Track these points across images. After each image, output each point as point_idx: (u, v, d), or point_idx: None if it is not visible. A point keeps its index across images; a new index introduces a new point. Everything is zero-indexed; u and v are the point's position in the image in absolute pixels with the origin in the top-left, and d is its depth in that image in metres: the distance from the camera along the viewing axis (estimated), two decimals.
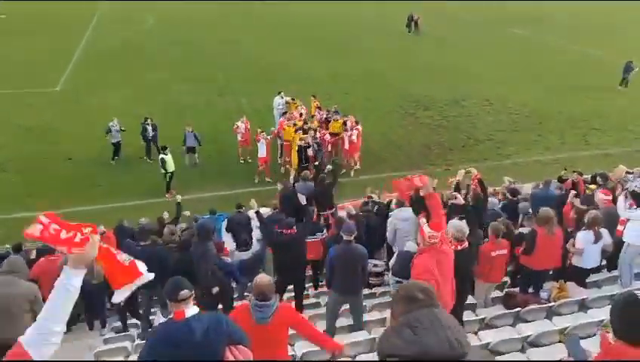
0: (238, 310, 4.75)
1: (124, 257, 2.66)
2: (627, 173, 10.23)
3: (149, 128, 16.75)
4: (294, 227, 7.90)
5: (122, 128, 16.75)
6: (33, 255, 8.42)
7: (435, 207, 5.51)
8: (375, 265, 8.77)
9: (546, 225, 6.94)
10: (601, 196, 8.60)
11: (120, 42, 32.62)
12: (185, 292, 3.37)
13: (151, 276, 2.70)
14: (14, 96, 22.62)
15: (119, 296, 2.71)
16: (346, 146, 16.21)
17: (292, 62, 28.83)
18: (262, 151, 15.56)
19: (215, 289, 6.82)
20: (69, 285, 2.36)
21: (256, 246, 9.38)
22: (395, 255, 8.05)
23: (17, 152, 17.36)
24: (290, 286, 8.06)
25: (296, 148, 14.88)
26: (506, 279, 8.05)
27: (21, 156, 17.09)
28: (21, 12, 41.52)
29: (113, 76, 25.54)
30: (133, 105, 21.24)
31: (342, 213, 10.32)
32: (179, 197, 10.80)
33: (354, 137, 16.07)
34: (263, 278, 4.70)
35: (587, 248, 7.21)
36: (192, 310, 3.33)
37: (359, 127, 16.25)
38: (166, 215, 10.52)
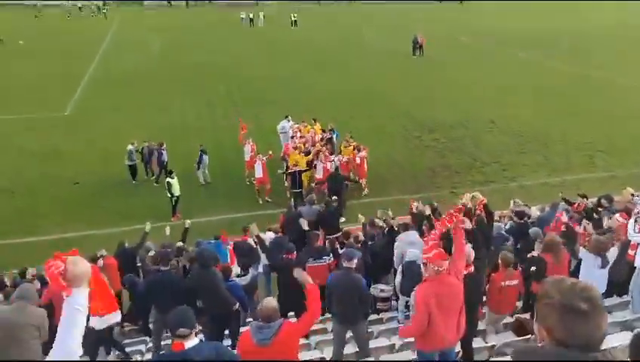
0: (243, 333, 4.72)
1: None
2: (632, 195, 10.16)
3: (164, 153, 16.88)
4: (294, 252, 7.90)
5: (138, 150, 16.94)
6: (38, 285, 8.37)
7: (459, 245, 5.42)
8: (382, 290, 8.67)
9: (552, 251, 6.84)
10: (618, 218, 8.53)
11: (128, 66, 33.10)
12: (183, 331, 3.46)
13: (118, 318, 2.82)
14: (23, 120, 22.89)
15: (99, 323, 2.77)
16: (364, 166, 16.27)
17: (297, 83, 29.10)
18: (258, 172, 15.71)
19: (236, 306, 6.93)
20: (75, 304, 2.38)
21: (252, 271, 9.32)
22: (399, 271, 7.97)
23: (24, 176, 17.48)
24: (292, 313, 7.97)
25: (290, 172, 14.98)
26: (517, 303, 7.92)
27: (28, 180, 17.22)
28: (33, 37, 42.26)
29: (120, 100, 25.84)
30: (138, 129, 21.41)
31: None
32: (188, 222, 10.74)
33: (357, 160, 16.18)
34: (270, 302, 4.67)
35: (593, 273, 7.09)
36: (192, 342, 3.37)
37: (363, 153, 16.30)
38: (167, 231, 10.47)
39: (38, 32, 45.33)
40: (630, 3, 67.77)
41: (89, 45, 40.01)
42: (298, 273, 5.07)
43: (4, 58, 35.05)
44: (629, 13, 62.67)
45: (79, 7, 61.02)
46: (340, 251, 8.48)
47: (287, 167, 15.57)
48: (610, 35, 46.42)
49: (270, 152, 16.38)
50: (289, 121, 18.86)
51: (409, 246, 8.26)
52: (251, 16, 52.31)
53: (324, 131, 18.29)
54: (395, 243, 8.66)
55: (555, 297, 1.83)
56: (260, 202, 15.76)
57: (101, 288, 2.66)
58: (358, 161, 16.18)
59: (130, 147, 16.80)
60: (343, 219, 13.72)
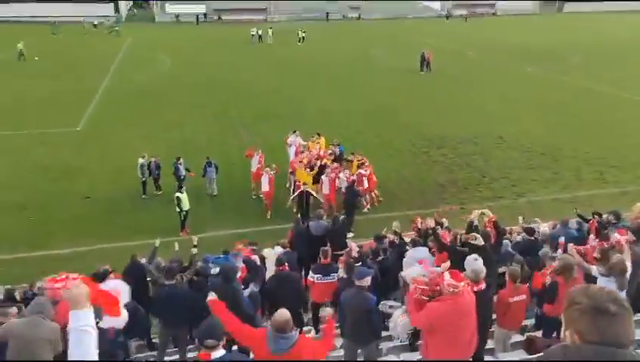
0: (256, 337, 4.71)
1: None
2: None
3: (181, 168, 17.06)
4: (285, 264, 8.28)
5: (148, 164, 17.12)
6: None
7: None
8: (391, 306, 8.63)
9: (566, 273, 6.78)
10: (617, 236, 8.45)
11: (139, 82, 33.58)
12: (211, 342, 3.76)
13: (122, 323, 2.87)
14: (35, 135, 23.22)
15: (110, 322, 2.82)
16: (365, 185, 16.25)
17: (304, 99, 29.35)
18: (264, 186, 15.87)
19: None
20: (83, 326, 2.39)
21: (252, 287, 9.34)
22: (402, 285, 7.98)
23: (36, 191, 17.68)
24: None
25: (297, 192, 14.97)
26: (527, 322, 7.86)
27: (40, 195, 17.40)
28: (48, 53, 43.00)
29: (132, 116, 26.17)
30: (150, 144, 21.65)
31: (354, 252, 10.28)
32: (195, 239, 10.80)
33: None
34: (284, 314, 4.67)
35: None
36: (218, 353, 3.63)
37: (362, 170, 16.33)
38: (176, 246, 10.53)
39: (53, 48, 46.11)
40: None
41: (102, 61, 40.64)
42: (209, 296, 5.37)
43: (22, 73, 35.66)
44: None
45: (94, 25, 62.26)
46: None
47: (296, 186, 15.60)
48: (623, 49, 46.42)
49: (275, 166, 16.51)
50: (297, 136, 18.97)
51: (415, 263, 8.25)
52: (260, 32, 52.93)
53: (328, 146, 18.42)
54: (404, 259, 8.66)
55: (584, 302, 1.97)
56: (269, 216, 15.83)
57: (103, 296, 2.68)
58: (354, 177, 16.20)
59: (141, 160, 16.98)
60: (351, 235, 13.78)
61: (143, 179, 17.03)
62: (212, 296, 5.30)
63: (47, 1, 72.14)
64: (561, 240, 9.22)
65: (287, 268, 8.53)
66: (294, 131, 19.17)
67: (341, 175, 15.89)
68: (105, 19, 64.80)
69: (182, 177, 16.76)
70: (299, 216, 14.93)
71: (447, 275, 5.18)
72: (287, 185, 16.96)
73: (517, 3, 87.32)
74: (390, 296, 9.00)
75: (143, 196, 17.16)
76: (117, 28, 58.65)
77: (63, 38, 53.72)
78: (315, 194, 15.04)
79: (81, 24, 59.77)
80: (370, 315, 6.45)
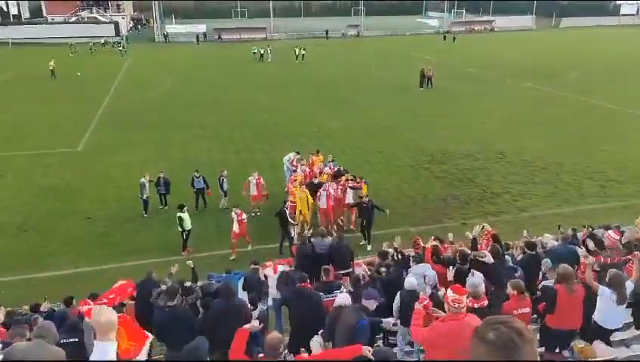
0: None
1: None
2: None
3: (197, 180, 17.24)
4: (307, 281, 8.18)
5: (151, 180, 17.17)
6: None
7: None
8: (395, 324, 8.56)
9: (565, 282, 6.75)
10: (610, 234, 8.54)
11: (140, 103, 33.80)
12: None
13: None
14: (36, 156, 23.31)
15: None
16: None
17: (305, 118, 29.48)
18: (253, 190, 16.73)
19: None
20: (102, 357, 2.38)
21: (261, 306, 9.28)
22: (397, 295, 7.92)
23: (37, 212, 17.69)
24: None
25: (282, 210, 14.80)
26: None
27: (41, 216, 17.41)
28: (46, 78, 43.46)
29: (132, 136, 26.26)
30: (150, 163, 21.72)
31: (358, 271, 10.24)
32: (190, 263, 10.78)
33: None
34: (275, 334, 4.73)
35: (611, 308, 6.97)
36: None
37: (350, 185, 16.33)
38: (174, 269, 10.49)
39: (61, 67, 46.59)
40: None
41: (103, 81, 40.99)
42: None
43: (29, 93, 35.96)
44: None
45: (102, 43, 63.26)
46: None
47: (289, 207, 15.49)
48: (620, 63, 46.74)
49: (257, 173, 17.14)
50: (295, 155, 18.83)
51: (420, 279, 8.21)
52: (262, 51, 53.46)
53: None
54: (408, 276, 8.61)
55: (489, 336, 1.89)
56: (253, 215, 16.18)
57: (129, 330, 2.69)
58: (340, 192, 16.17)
59: (142, 180, 17.02)
60: (369, 248, 13.86)
61: (143, 198, 17.02)
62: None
63: (51, 23, 73.60)
64: (546, 262, 9.16)
65: (309, 285, 8.37)
66: (297, 152, 19.08)
67: (337, 187, 16.00)
68: (111, 39, 66.11)
69: (197, 191, 17.30)
70: (306, 235, 14.86)
71: (450, 292, 5.07)
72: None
73: (514, 18, 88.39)
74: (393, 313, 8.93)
75: (144, 215, 17.15)
76: (123, 48, 59.40)
77: (73, 57, 54.56)
78: (290, 219, 14.75)
79: (90, 43, 60.80)
80: (355, 332, 6.19)
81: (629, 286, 7.25)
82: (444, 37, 56.17)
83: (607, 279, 7.08)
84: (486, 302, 6.00)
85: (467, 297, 6.07)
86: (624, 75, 41.37)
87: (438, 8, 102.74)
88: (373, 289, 7.04)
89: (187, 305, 8.96)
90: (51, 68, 42.43)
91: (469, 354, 1.86)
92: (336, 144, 24.15)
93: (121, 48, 58.90)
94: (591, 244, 8.72)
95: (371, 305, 6.41)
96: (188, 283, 9.87)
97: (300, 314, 7.69)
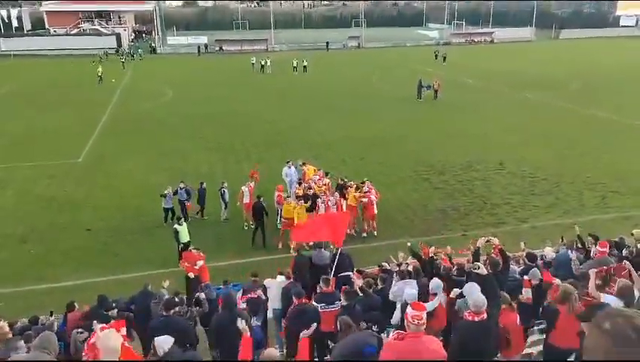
0: None
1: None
2: None
3: (180, 191, 17.23)
4: (302, 297, 8.14)
5: (173, 192, 17.27)
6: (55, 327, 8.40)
7: None
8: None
9: (567, 302, 6.71)
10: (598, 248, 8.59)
11: (141, 114, 33.93)
12: None
13: None
14: (37, 167, 23.36)
15: None
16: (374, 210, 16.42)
17: (306, 128, 29.59)
18: (246, 198, 16.69)
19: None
20: None
21: (255, 321, 9.24)
22: (398, 307, 7.88)
23: (38, 223, 17.68)
24: None
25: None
26: (532, 350, 7.76)
27: (41, 227, 17.40)
28: (48, 90, 43.71)
29: (133, 147, 26.34)
30: (151, 174, 21.79)
31: (358, 282, 10.20)
32: (166, 283, 10.77)
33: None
34: (272, 352, 4.70)
35: None
36: None
37: (372, 196, 16.43)
38: (166, 284, 10.46)
39: (60, 79, 46.85)
40: None
41: (104, 91, 41.20)
42: (240, 323, 5.57)
43: (32, 104, 36.10)
44: None
45: (105, 54, 63.87)
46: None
47: (282, 221, 15.97)
48: (619, 74, 46.90)
49: (249, 182, 17.24)
50: (290, 167, 18.96)
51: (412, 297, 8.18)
52: (262, 62, 53.69)
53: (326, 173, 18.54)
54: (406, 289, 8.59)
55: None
56: (245, 227, 16.36)
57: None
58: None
59: (165, 191, 17.18)
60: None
61: (165, 206, 17.17)
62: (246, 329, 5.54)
63: (53, 35, 74.21)
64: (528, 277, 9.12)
65: (305, 300, 8.40)
66: (287, 162, 19.26)
67: (331, 198, 16.05)
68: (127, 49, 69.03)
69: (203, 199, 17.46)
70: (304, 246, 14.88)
71: (409, 309, 4.88)
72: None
73: (514, 30, 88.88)
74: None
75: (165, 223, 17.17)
76: (140, 57, 60.56)
77: (73, 67, 55.05)
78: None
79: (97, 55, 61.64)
80: (358, 356, 5.92)
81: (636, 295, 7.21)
82: (435, 55, 56.48)
83: (616, 288, 7.02)
84: (485, 315, 5.96)
85: (467, 311, 6.08)
86: (624, 85, 41.49)
87: (438, 20, 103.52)
88: (357, 309, 6.96)
89: (194, 317, 8.95)
90: (99, 74, 45.86)
91: None
92: (337, 154, 24.21)
93: (135, 57, 59.65)
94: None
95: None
96: (201, 295, 9.83)
97: (299, 330, 7.67)
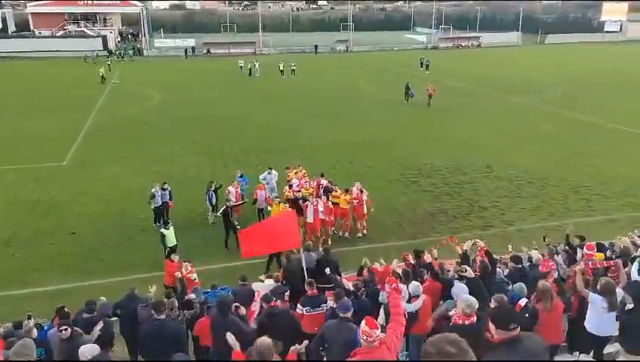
0: None
1: None
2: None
3: (163, 193, 17.10)
4: (275, 300, 8.19)
5: (164, 188, 17.22)
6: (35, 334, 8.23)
7: (395, 305, 5.38)
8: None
9: (543, 299, 6.77)
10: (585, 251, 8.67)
11: (127, 117, 33.66)
12: None
13: None
14: (21, 171, 23.05)
15: None
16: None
17: (296, 132, 29.55)
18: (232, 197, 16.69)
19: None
20: None
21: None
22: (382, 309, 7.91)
23: (22, 227, 17.44)
24: None
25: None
26: None
27: (26, 231, 17.16)
28: (34, 92, 43.20)
29: (119, 151, 26.10)
30: (137, 178, 21.58)
31: (348, 285, 10.18)
32: (178, 274, 10.68)
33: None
34: (264, 341, 4.66)
35: (601, 316, 7.01)
36: None
37: (364, 197, 16.50)
38: (153, 289, 10.35)
39: (47, 81, 46.34)
40: (629, 50, 69.79)
41: (89, 94, 40.80)
42: (229, 337, 5.58)
43: (20, 108, 35.62)
44: (628, 59, 64.49)
45: (97, 55, 63.40)
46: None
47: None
48: (604, 78, 47.55)
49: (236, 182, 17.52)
50: (269, 173, 18.91)
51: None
52: (250, 65, 53.56)
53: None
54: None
55: (429, 350, 2.35)
56: (237, 223, 16.19)
57: None
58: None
59: (153, 190, 17.04)
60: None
61: (154, 206, 17.01)
62: (236, 345, 5.66)
63: (38, 37, 73.43)
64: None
65: (277, 303, 8.41)
66: (269, 168, 19.22)
67: (319, 201, 16.01)
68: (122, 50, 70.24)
69: (212, 203, 17.34)
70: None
71: (362, 323, 4.86)
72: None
73: (500, 35, 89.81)
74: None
75: (157, 223, 17.02)
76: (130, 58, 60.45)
77: (58, 69, 54.51)
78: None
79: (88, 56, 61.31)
80: (356, 346, 6.32)
81: (619, 293, 7.30)
82: (421, 63, 56.79)
83: (598, 286, 7.11)
84: (475, 318, 5.98)
85: (455, 315, 6.08)
86: (608, 90, 42.05)
87: (426, 24, 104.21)
88: (343, 301, 7.00)
89: (185, 319, 8.87)
90: (101, 74, 47.30)
91: None
92: (326, 158, 24.20)
93: (109, 63, 58.97)
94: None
95: (349, 314, 6.43)
96: (192, 296, 9.73)
97: (276, 332, 7.64)
